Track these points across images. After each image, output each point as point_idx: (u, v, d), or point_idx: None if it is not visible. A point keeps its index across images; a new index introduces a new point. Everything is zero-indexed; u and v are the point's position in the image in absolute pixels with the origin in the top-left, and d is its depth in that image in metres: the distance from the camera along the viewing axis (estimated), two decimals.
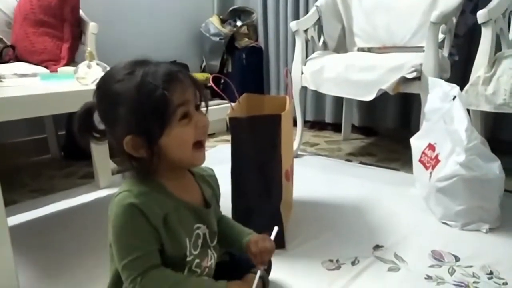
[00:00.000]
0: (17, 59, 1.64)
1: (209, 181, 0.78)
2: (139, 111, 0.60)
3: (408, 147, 1.50)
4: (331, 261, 1.02)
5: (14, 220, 1.29)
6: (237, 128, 1.04)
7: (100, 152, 1.58)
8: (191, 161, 0.68)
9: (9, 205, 1.39)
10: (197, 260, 0.69)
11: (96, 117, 0.67)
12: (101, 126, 0.66)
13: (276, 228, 0.82)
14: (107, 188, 1.58)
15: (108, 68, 0.79)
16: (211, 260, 0.73)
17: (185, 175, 0.73)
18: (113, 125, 0.64)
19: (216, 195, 0.79)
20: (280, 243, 1.08)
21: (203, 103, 0.69)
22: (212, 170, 0.81)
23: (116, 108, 0.61)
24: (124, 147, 0.62)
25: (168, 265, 0.65)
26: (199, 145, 0.67)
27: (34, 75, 1.40)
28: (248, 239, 0.77)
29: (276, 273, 0.94)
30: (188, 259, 0.67)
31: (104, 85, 0.65)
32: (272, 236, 0.80)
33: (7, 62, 1.60)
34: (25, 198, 1.51)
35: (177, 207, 0.66)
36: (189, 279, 0.66)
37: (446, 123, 1.24)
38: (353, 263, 1.01)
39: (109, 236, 0.64)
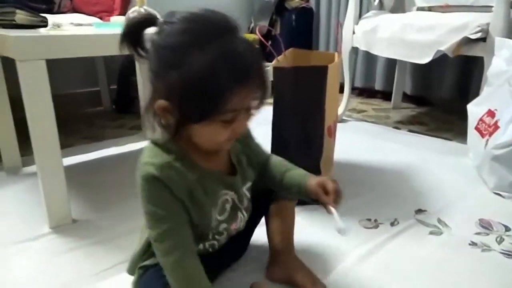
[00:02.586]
0: (74, 10, 1.71)
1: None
2: (190, 92, 0.53)
3: (464, 119, 1.39)
4: (369, 220, 1.00)
5: (69, 161, 1.38)
6: (281, 79, 1.02)
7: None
8: (214, 149, 0.64)
9: (64, 147, 1.49)
10: (223, 225, 0.67)
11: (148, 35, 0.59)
12: (149, 45, 0.59)
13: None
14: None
15: (156, 15, 0.71)
16: (241, 222, 0.71)
17: None
18: (157, 77, 0.57)
19: (249, 144, 0.73)
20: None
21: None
22: None
23: (169, 68, 0.54)
24: (154, 105, 0.57)
25: (194, 231, 0.63)
26: (227, 141, 0.61)
27: (90, 24, 1.45)
28: (308, 182, 0.69)
29: (311, 228, 0.94)
30: (212, 225, 0.65)
31: (173, 34, 0.55)
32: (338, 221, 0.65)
33: (65, 13, 1.67)
34: (78, 143, 1.61)
35: (201, 178, 0.62)
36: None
37: (511, 85, 1.13)
38: (392, 224, 0.98)
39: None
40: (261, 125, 1.09)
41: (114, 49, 1.02)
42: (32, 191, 1.12)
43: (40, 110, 0.87)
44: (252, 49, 0.56)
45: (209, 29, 0.54)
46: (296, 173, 0.73)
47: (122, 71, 2.10)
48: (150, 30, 0.58)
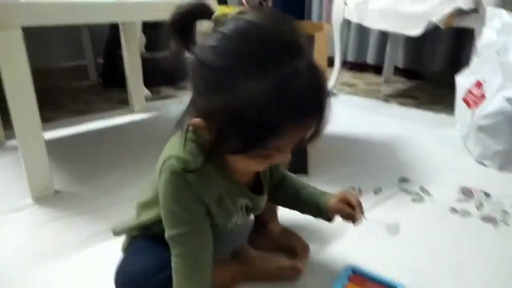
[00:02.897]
0: None
1: None
2: (232, 124, 0.46)
3: (454, 93, 1.38)
4: (353, 189, 1.01)
5: (53, 134, 1.36)
6: None
7: (134, 79, 1.62)
8: (248, 172, 0.61)
9: (49, 121, 1.47)
10: (234, 225, 0.65)
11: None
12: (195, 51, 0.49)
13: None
14: (141, 112, 1.63)
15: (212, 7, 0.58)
16: (248, 219, 0.69)
17: None
18: (197, 93, 0.49)
19: None
20: (302, 168, 1.08)
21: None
22: None
23: (213, 92, 0.46)
24: (191, 120, 0.51)
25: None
26: (263, 169, 0.58)
27: None
28: (329, 199, 0.68)
29: None
30: (228, 226, 0.63)
31: (223, 54, 0.45)
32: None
33: None
34: (64, 117, 1.59)
35: (231, 188, 0.59)
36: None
37: (500, 55, 1.12)
38: (375, 192, 0.99)
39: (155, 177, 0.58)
40: None
41: (96, 16, 1.01)
42: (15, 164, 1.11)
43: (18, 80, 0.85)
44: (317, 77, 0.47)
45: (267, 52, 0.44)
46: (314, 192, 0.71)
47: (109, 44, 2.05)
48: (203, 24, 0.50)
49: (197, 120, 0.50)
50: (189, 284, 0.57)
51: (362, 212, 0.65)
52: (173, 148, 0.55)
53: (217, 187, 0.56)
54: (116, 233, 0.70)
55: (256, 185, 0.65)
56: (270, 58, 0.44)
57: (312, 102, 0.47)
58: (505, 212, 0.89)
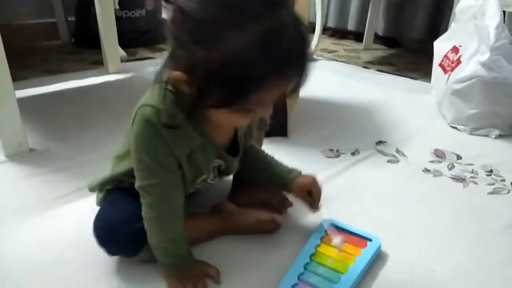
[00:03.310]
0: None
1: None
2: (215, 76, 0.45)
3: (432, 60, 1.40)
4: (331, 150, 1.03)
5: (25, 93, 1.30)
6: None
7: (109, 38, 1.55)
8: (229, 127, 0.61)
9: (19, 80, 1.40)
10: (205, 184, 0.66)
11: None
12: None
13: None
14: (116, 73, 1.57)
15: None
16: (218, 180, 0.69)
17: None
18: (178, 45, 0.47)
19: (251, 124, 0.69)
20: (282, 131, 1.08)
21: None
22: None
23: (197, 43, 0.44)
24: (169, 74, 0.49)
25: None
26: (245, 125, 0.58)
27: None
28: (295, 179, 0.71)
29: (278, 158, 0.95)
30: (196, 183, 0.63)
31: (209, 3, 0.44)
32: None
33: None
34: (35, 76, 1.51)
35: (204, 145, 0.58)
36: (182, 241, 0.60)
37: (476, 18, 1.13)
38: (353, 154, 1.01)
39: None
40: None
41: None
42: None
43: None
44: (302, 30, 0.47)
45: (254, 2, 0.43)
46: (282, 167, 0.74)
47: (80, 1, 1.94)
48: None
49: (177, 74, 0.48)
50: (160, 234, 0.58)
51: (318, 206, 0.71)
52: (148, 98, 0.54)
53: (190, 144, 0.56)
54: (92, 189, 0.69)
55: (231, 147, 0.65)
56: (256, 8, 0.43)
57: (297, 55, 0.47)
58: (474, 173, 0.94)
